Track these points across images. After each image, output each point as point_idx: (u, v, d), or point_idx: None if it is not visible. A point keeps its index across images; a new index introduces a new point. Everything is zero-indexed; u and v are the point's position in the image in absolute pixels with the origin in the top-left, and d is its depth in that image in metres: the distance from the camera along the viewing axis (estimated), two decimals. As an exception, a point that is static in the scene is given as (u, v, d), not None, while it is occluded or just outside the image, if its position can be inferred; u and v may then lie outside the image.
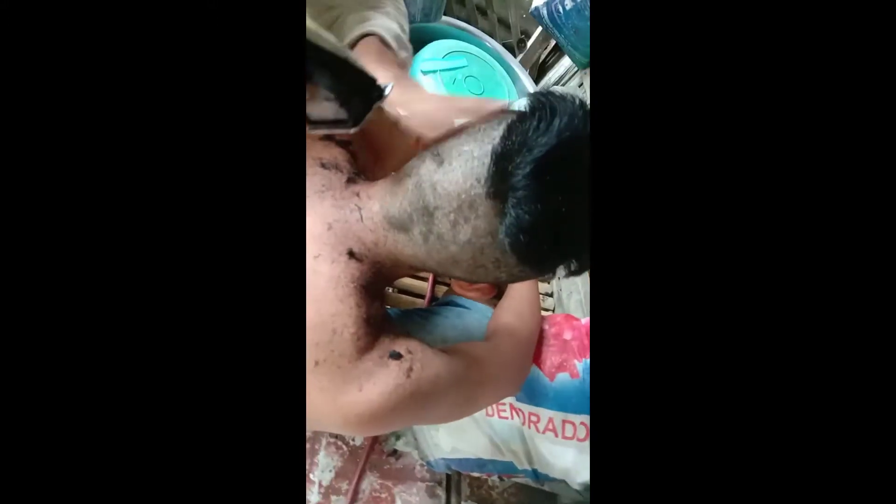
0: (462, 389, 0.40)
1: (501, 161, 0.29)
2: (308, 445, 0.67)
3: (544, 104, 0.30)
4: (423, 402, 0.35)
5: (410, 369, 0.34)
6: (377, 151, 0.42)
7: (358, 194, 0.36)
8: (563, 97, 0.30)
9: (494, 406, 0.58)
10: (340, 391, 0.32)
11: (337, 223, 0.34)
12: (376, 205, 0.35)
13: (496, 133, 0.30)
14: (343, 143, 0.39)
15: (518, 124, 0.30)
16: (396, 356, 0.34)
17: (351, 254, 0.34)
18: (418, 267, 0.36)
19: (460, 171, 0.31)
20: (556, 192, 0.28)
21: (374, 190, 0.36)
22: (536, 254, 0.30)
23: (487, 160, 0.30)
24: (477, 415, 0.61)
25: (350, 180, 0.37)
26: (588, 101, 0.94)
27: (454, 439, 0.64)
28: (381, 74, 0.34)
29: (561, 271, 0.33)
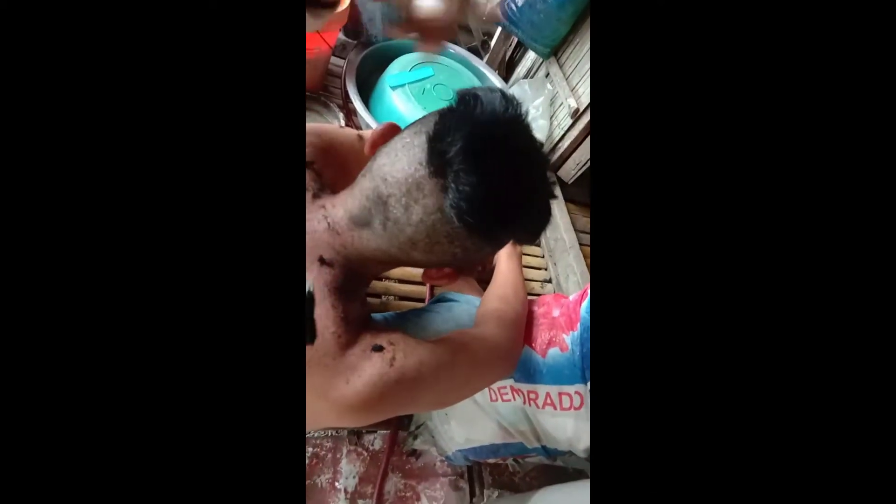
0: (453, 373, 0.43)
1: (436, 142, 0.33)
2: (329, 455, 0.70)
3: (468, 95, 0.33)
4: (410, 387, 0.38)
5: (393, 359, 0.37)
6: (340, 166, 0.46)
7: (324, 206, 0.39)
8: (487, 90, 0.34)
9: (497, 390, 0.61)
10: (330, 386, 0.35)
11: (308, 235, 0.37)
12: (340, 210, 0.38)
13: (430, 122, 0.34)
14: (307, 164, 0.43)
15: (447, 112, 0.34)
16: (378, 349, 0.37)
17: (322, 260, 0.37)
18: (384, 259, 0.39)
19: (405, 158, 0.34)
20: (489, 166, 0.32)
21: (338, 199, 0.39)
22: (480, 223, 0.34)
23: (425, 144, 0.33)
24: (482, 402, 0.63)
25: (315, 195, 0.40)
26: (551, 88, 0.95)
27: (466, 430, 0.66)
28: None
29: (509, 240, 0.36)
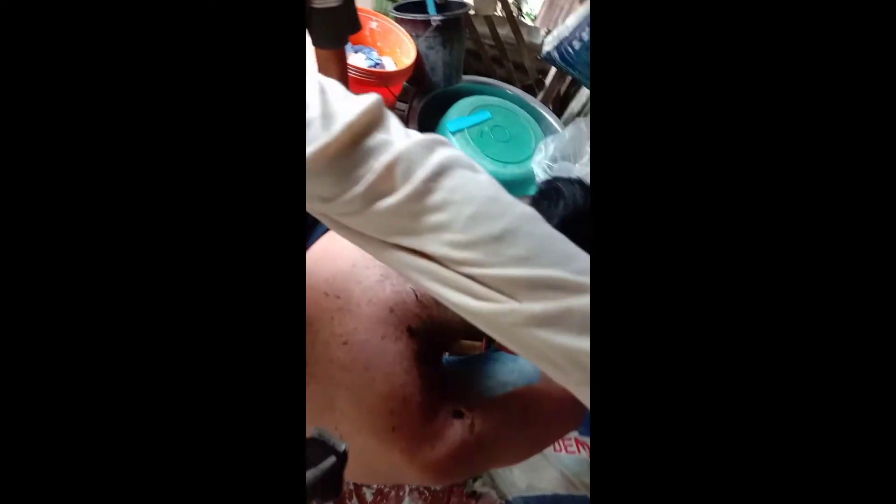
0: (526, 434, 0.44)
1: None
2: (393, 493, 0.73)
3: (551, 190, 0.36)
4: (488, 450, 0.40)
5: (472, 425, 0.39)
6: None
7: None
8: (567, 182, 0.36)
9: (561, 441, 0.61)
10: (417, 451, 0.37)
11: (397, 306, 0.41)
12: None
13: None
14: None
15: (533, 206, 0.36)
16: (459, 415, 0.39)
17: (410, 330, 0.40)
18: (467, 329, 0.41)
19: None
20: None
21: None
22: None
23: None
24: (546, 451, 0.64)
25: None
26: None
27: (528, 477, 0.67)
28: None
29: None
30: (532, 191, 0.37)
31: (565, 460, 0.61)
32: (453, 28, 0.99)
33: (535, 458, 0.65)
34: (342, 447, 0.27)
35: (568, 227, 0.34)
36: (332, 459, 0.26)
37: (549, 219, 0.34)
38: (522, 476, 0.67)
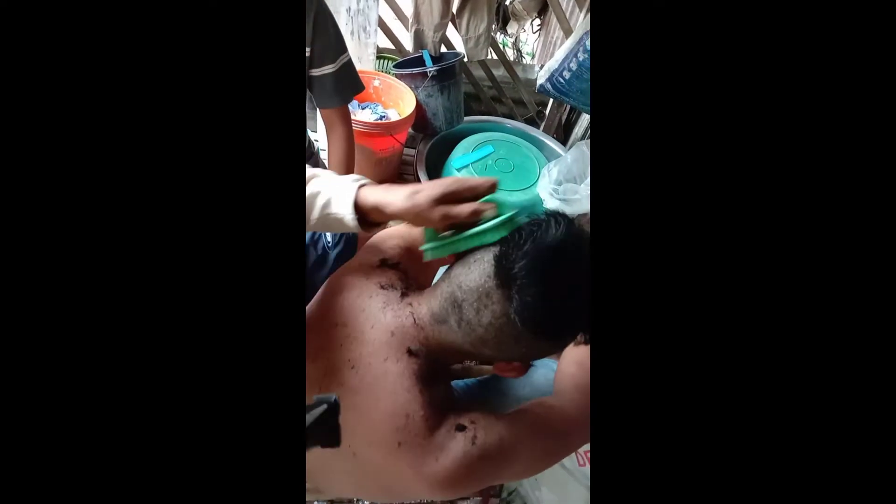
0: (533, 445, 0.46)
1: (502, 259, 0.39)
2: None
3: (536, 222, 0.40)
4: (494, 462, 0.42)
5: (475, 437, 0.42)
6: (420, 262, 0.54)
7: (410, 304, 0.47)
8: (555, 215, 0.40)
9: (584, 454, 0.62)
10: (422, 464, 0.40)
11: (398, 329, 0.45)
12: (424, 308, 0.45)
13: (498, 242, 0.41)
14: (394, 266, 0.51)
15: (514, 234, 0.40)
16: (461, 428, 0.42)
17: (410, 352, 0.44)
18: (459, 350, 0.45)
19: (476, 271, 0.41)
20: (549, 278, 0.37)
21: (422, 297, 0.47)
22: (543, 328, 0.38)
23: (493, 261, 0.39)
24: (571, 467, 0.64)
25: (403, 294, 0.48)
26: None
27: (557, 496, 0.67)
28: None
29: (573, 342, 0.41)
30: (540, 212, 0.41)
31: (589, 474, 0.62)
32: (449, 76, 1.07)
33: (561, 475, 0.65)
34: (333, 397, 0.30)
35: (544, 252, 0.38)
36: (323, 406, 0.29)
37: (526, 244, 0.38)
38: (551, 496, 0.67)
